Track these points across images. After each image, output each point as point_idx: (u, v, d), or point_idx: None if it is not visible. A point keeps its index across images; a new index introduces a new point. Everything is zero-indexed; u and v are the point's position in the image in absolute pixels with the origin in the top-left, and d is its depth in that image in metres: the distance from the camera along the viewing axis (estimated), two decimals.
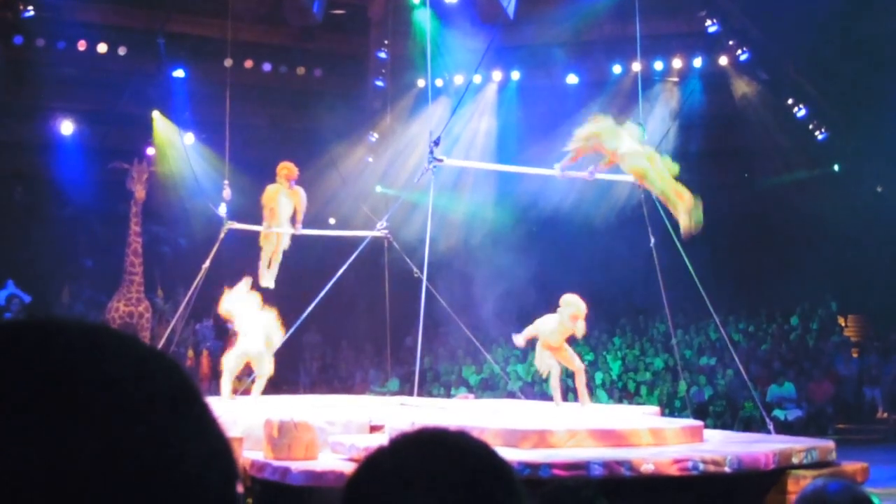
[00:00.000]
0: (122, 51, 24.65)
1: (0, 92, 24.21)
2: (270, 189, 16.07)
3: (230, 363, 14.87)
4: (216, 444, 0.95)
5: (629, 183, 15.69)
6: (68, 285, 25.26)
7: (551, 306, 13.71)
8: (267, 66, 25.82)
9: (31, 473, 0.84)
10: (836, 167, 26.66)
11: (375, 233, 17.64)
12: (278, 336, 15.23)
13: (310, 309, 17.46)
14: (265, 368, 14.81)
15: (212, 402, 1.00)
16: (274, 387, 16.80)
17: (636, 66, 18.63)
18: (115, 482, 0.85)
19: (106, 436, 0.87)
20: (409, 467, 1.49)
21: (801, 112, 26.21)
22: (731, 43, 25.54)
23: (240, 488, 0.97)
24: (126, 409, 0.89)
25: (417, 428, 1.56)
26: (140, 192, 21.97)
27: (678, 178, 13.90)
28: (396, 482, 1.48)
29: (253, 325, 14.88)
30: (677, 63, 25.87)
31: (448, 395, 20.96)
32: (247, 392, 15.52)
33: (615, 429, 11.64)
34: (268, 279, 16.05)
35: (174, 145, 24.72)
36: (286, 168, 16.18)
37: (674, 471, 10.18)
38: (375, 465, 1.54)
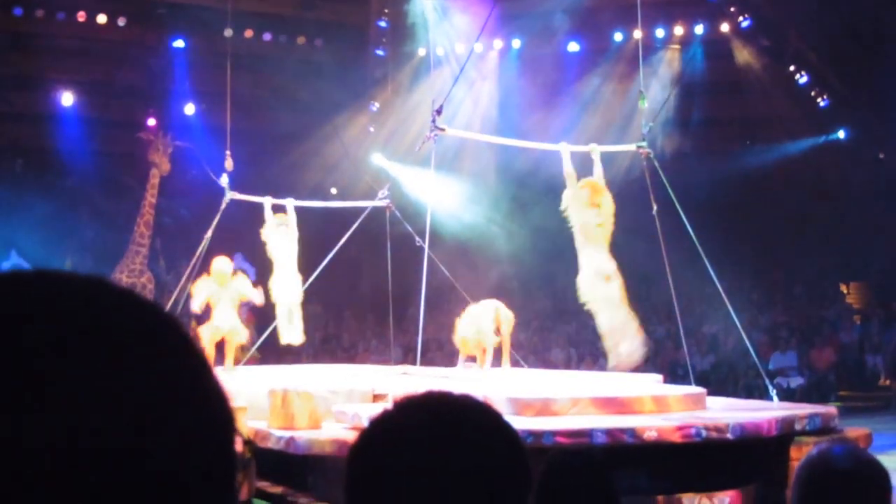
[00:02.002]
0: (121, 21, 24.59)
1: None
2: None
3: (205, 335, 15.08)
4: (214, 399, 0.94)
5: (630, 152, 15.66)
6: (70, 257, 25.26)
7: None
8: (267, 36, 25.73)
9: (24, 424, 0.83)
10: (840, 134, 26.60)
11: (377, 202, 17.61)
12: (256, 294, 15.52)
13: (311, 279, 17.46)
14: (238, 339, 15.12)
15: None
16: (277, 357, 16.84)
17: (637, 34, 18.55)
18: (109, 433, 0.85)
19: (100, 386, 0.86)
20: (414, 429, 1.49)
21: (802, 79, 26.14)
22: (732, 10, 25.44)
23: (238, 446, 0.96)
24: (121, 360, 0.88)
25: (423, 391, 1.56)
26: (165, 165, 21.79)
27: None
28: (402, 444, 1.48)
29: (223, 299, 15.20)
30: (679, 30, 25.77)
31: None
32: (251, 361, 15.68)
33: (618, 396, 11.66)
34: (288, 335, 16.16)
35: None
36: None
37: (676, 438, 10.20)
38: (382, 428, 1.54)
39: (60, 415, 0.84)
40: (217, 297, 15.21)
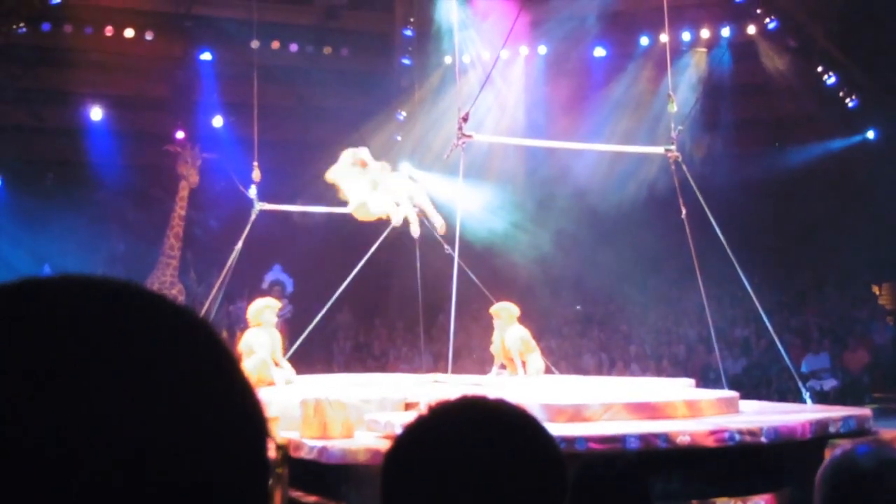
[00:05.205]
0: (148, 35, 24.76)
1: (29, 78, 24.32)
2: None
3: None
4: (246, 402, 0.94)
5: (659, 156, 15.60)
6: (102, 270, 25.39)
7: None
8: (294, 47, 25.82)
9: (52, 429, 0.84)
10: (870, 134, 26.44)
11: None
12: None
13: (342, 288, 17.48)
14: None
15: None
16: (308, 366, 16.86)
17: (664, 38, 18.51)
18: (138, 438, 0.85)
19: (130, 391, 0.86)
20: (449, 435, 1.50)
21: (830, 79, 26.01)
22: (758, 11, 25.35)
23: (271, 453, 0.96)
24: (152, 364, 0.88)
25: (457, 396, 1.56)
26: (194, 177, 21.69)
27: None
28: (437, 449, 1.49)
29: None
30: (705, 33, 25.72)
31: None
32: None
33: (650, 401, 11.63)
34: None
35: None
36: None
37: (710, 442, 10.16)
38: (416, 434, 1.54)
39: (89, 420, 0.84)
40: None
